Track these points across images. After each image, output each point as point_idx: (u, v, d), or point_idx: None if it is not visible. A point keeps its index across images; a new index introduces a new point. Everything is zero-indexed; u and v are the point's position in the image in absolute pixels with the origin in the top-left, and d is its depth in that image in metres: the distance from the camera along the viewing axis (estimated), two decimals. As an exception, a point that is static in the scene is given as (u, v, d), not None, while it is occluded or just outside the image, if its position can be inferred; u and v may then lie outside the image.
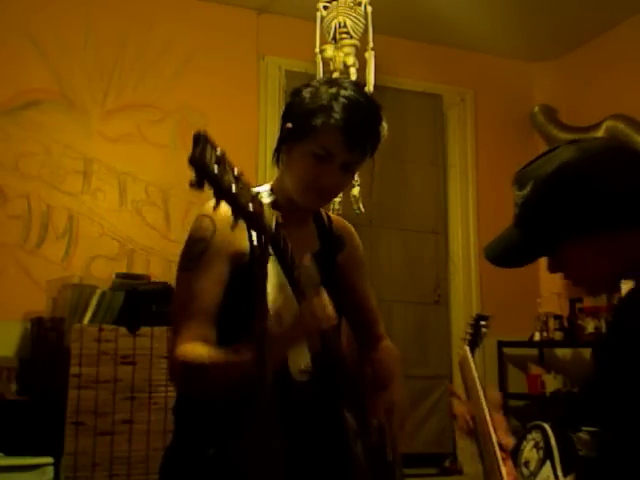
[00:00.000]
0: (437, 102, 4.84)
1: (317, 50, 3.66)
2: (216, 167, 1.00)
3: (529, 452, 1.40)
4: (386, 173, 4.62)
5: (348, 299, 1.77)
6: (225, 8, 4.33)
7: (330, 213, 1.79)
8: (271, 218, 1.15)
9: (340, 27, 3.61)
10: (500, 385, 4.54)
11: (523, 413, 4.56)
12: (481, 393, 1.55)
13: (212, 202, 1.56)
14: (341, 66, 3.65)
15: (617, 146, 1.32)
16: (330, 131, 1.52)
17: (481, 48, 4.82)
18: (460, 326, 4.69)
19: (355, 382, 1.64)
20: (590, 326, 4.27)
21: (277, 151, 1.62)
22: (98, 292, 3.35)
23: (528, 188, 1.30)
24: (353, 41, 3.63)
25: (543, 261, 1.42)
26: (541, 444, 1.36)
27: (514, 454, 1.45)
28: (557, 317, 4.50)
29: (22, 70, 3.89)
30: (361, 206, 3.71)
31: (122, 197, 3.92)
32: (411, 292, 4.58)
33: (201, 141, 0.98)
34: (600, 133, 4.46)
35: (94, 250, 3.80)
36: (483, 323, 1.73)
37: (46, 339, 3.42)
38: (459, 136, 4.89)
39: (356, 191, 3.71)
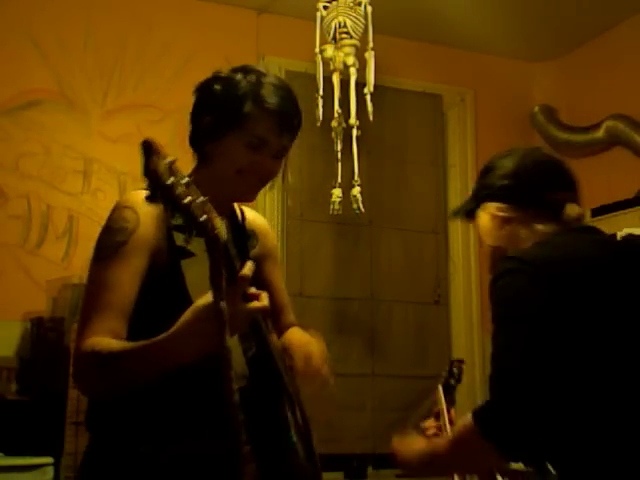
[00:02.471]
0: (437, 102, 4.84)
1: (317, 50, 3.66)
2: (170, 179, 0.95)
3: None
4: (386, 173, 4.62)
5: None
6: (225, 8, 4.34)
7: (244, 207, 1.75)
8: (222, 227, 1.11)
9: (340, 27, 3.60)
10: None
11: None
12: (447, 424, 1.85)
13: (135, 192, 1.49)
14: (341, 66, 3.65)
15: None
16: (263, 118, 1.49)
17: (481, 48, 4.82)
18: (460, 326, 4.69)
19: (289, 377, 1.61)
20: (590, 326, 4.26)
21: (197, 147, 1.57)
22: (98, 292, 3.34)
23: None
24: (353, 41, 3.63)
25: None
26: None
27: None
28: (557, 317, 4.50)
29: (22, 70, 3.89)
30: (361, 206, 3.70)
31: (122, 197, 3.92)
32: (411, 292, 4.58)
33: (153, 150, 0.93)
34: (600, 133, 4.47)
35: (94, 250, 3.79)
36: (455, 365, 2.12)
37: (46, 339, 3.42)
38: (459, 136, 4.89)
39: (356, 191, 3.70)
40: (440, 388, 2.06)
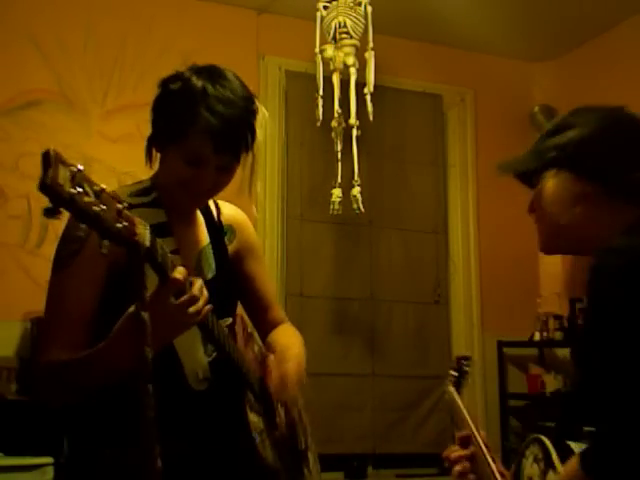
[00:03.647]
0: (437, 102, 4.84)
1: (317, 50, 3.66)
2: (72, 190, 0.89)
3: (530, 468, 1.37)
4: (386, 173, 4.62)
5: (243, 287, 1.73)
6: (225, 8, 4.34)
7: (221, 201, 1.70)
8: (144, 232, 1.07)
9: (340, 27, 3.60)
10: (500, 385, 4.54)
11: (523, 413, 4.57)
12: (475, 431, 1.50)
13: None
14: (341, 66, 3.65)
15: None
16: (198, 137, 1.43)
17: (481, 48, 4.82)
18: (460, 326, 4.69)
19: (257, 379, 1.60)
20: (590, 326, 4.26)
21: (149, 149, 1.54)
22: (98, 292, 3.34)
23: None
24: (353, 41, 3.63)
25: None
26: (540, 456, 1.35)
27: (516, 475, 1.40)
28: (557, 317, 4.49)
29: (23, 71, 3.89)
30: (361, 206, 3.70)
31: (122, 197, 3.92)
32: (411, 292, 4.58)
33: (52, 161, 0.87)
34: (600, 133, 4.46)
35: (94, 250, 3.79)
36: (465, 363, 1.74)
37: (46, 339, 3.42)
38: (459, 136, 4.89)
39: (356, 191, 3.71)
40: (453, 391, 1.68)
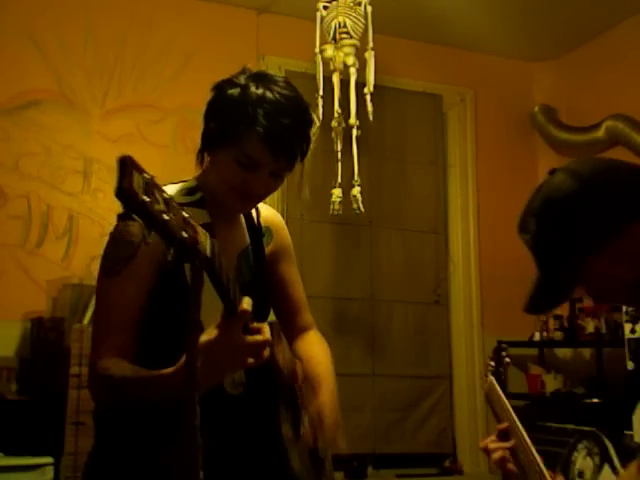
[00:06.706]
0: (437, 102, 4.84)
1: (317, 50, 3.66)
2: (145, 197, 0.91)
3: (582, 461, 1.38)
4: (386, 173, 4.62)
5: (275, 289, 1.75)
6: (225, 8, 4.34)
7: (260, 204, 1.71)
8: (206, 241, 1.09)
9: (340, 27, 3.60)
10: (500, 385, 4.53)
11: (523, 413, 4.57)
12: (517, 420, 1.51)
13: None
14: (341, 66, 3.65)
15: (594, 159, 1.36)
16: (254, 141, 1.45)
17: (481, 48, 4.82)
18: (460, 326, 4.69)
19: (289, 386, 1.61)
20: (590, 326, 4.26)
21: (201, 151, 1.56)
22: (98, 292, 3.34)
23: (532, 227, 1.29)
24: (353, 41, 3.63)
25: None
26: (595, 450, 1.36)
27: (565, 468, 1.41)
28: (557, 317, 4.49)
29: (23, 70, 3.90)
30: (361, 206, 3.70)
31: (122, 197, 3.92)
32: (411, 292, 4.58)
33: (128, 167, 0.89)
34: (600, 133, 4.46)
35: (94, 250, 3.76)
36: (504, 354, 1.74)
37: (46, 339, 3.42)
38: (459, 136, 4.89)
39: (356, 191, 3.70)
40: (493, 380, 1.67)
